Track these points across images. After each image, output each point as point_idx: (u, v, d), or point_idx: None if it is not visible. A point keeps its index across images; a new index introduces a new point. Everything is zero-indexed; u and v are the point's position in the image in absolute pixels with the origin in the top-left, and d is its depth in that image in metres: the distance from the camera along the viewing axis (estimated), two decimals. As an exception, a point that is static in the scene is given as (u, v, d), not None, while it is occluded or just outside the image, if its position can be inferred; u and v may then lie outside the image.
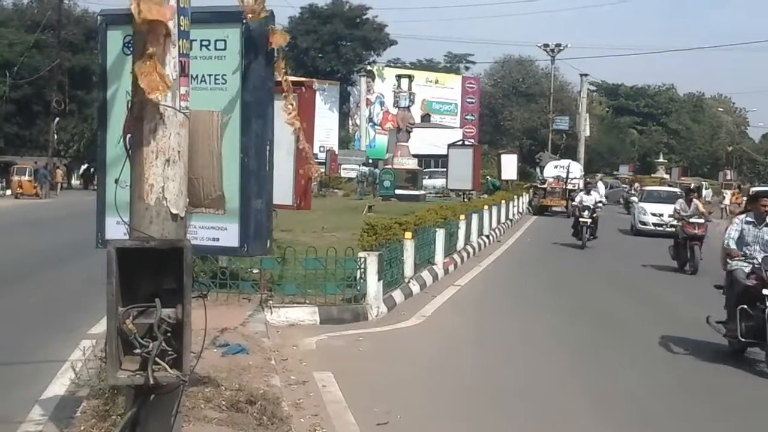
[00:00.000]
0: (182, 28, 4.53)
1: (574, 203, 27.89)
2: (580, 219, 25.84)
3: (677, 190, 38.07)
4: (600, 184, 55.43)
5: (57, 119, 57.50)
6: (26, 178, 49.22)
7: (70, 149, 62.92)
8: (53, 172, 54.76)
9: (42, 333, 11.11)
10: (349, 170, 58.38)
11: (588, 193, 27.32)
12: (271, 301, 12.25)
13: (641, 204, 33.82)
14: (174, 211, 4.18)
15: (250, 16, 5.96)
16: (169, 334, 3.83)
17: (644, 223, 32.54)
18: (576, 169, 47.70)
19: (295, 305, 12.39)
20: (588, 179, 45.22)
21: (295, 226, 19.99)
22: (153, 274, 3.97)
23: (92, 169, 64.09)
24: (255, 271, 13.18)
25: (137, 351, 3.80)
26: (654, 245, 26.39)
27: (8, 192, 49.61)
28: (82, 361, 8.03)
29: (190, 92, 4.61)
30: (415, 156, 50.61)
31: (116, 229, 6.37)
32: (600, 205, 27.43)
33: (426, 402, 8.66)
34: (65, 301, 13.59)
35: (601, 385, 9.52)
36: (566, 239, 26.48)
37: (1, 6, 64.56)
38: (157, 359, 3.76)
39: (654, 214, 32.20)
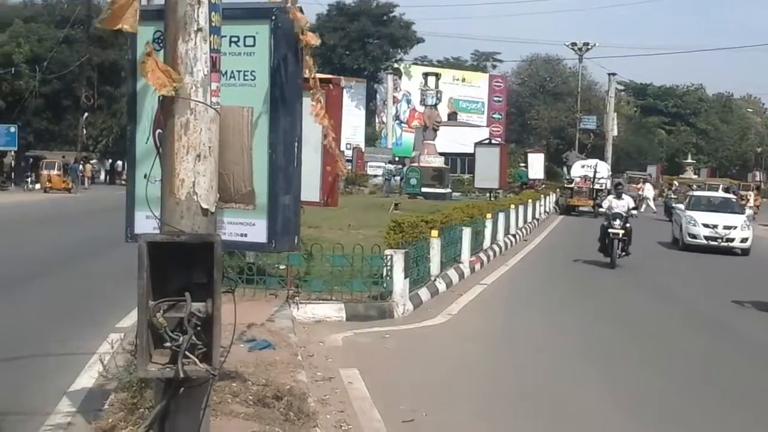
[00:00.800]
0: (213, 24, 4.55)
1: (602, 209, 22.81)
2: (610, 230, 20.63)
3: (732, 196, 34.10)
4: (648, 186, 54.56)
5: (86, 114, 57.92)
6: (55, 172, 49.66)
7: (98, 144, 63.41)
8: (84, 167, 55.27)
9: (70, 326, 11.20)
10: (375, 168, 58.43)
11: (619, 197, 21.85)
12: (297, 297, 12.28)
13: (690, 212, 27.64)
14: (204, 206, 4.20)
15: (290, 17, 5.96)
16: (198, 328, 3.85)
17: (694, 236, 26.75)
18: (603, 168, 47.45)
19: (321, 302, 12.42)
20: (619, 180, 42.05)
21: (321, 223, 20.02)
22: (183, 268, 3.99)
23: (118, 164, 64.73)
24: (281, 267, 13.22)
25: (167, 344, 3.82)
26: (718, 266, 23.17)
27: (37, 186, 50.02)
28: (111, 354, 8.09)
29: (220, 88, 4.63)
30: (441, 154, 50.52)
31: (145, 224, 6.42)
32: (634, 212, 22.05)
33: (451, 400, 8.65)
34: (94, 294, 13.69)
35: (630, 390, 9.44)
36: (591, 251, 21.49)
37: (31, 1, 64.95)
38: (186, 353, 3.79)
39: (707, 225, 26.69)
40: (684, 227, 27.31)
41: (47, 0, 64.93)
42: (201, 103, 4.31)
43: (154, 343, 3.86)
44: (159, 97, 4.42)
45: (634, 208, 22.08)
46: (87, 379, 8.42)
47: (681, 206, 29.84)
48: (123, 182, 57.32)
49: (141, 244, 3.88)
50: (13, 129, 49.96)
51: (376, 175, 54.54)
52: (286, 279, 12.79)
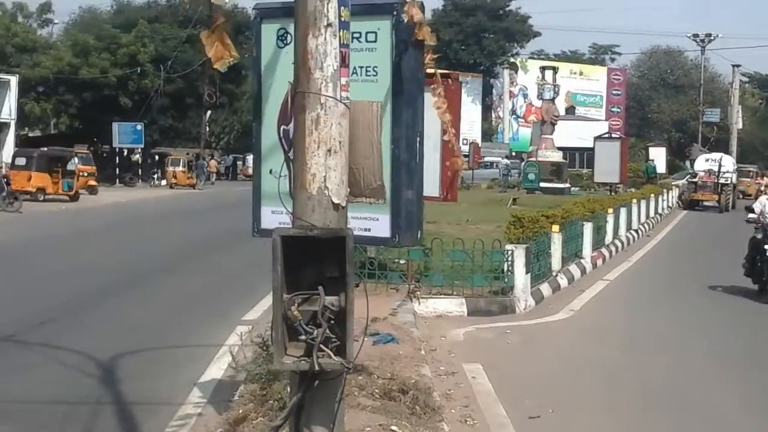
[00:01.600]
0: (343, 19, 4.57)
1: (752, 216, 15.39)
2: (767, 246, 14.57)
3: None
4: None
5: (209, 112, 59.26)
6: (180, 168, 51.01)
7: (220, 141, 64.82)
8: (208, 163, 56.63)
9: (199, 318, 11.50)
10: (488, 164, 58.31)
11: None
12: (418, 292, 12.31)
13: None
14: (336, 201, 4.21)
15: (405, 13, 5.98)
16: (332, 322, 3.88)
17: None
18: (728, 162, 45.86)
19: (442, 296, 12.44)
20: None
21: (439, 218, 20.00)
22: (315, 262, 4.02)
23: (237, 161, 66.15)
24: (402, 261, 13.27)
25: (302, 337, 3.86)
26: None
27: (163, 182, 51.51)
28: (239, 346, 8.26)
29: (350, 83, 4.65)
30: (559, 149, 49.89)
31: (272, 218, 6.51)
32: None
33: (576, 397, 8.53)
34: (220, 288, 14.02)
35: (759, 392, 9.11)
36: (721, 255, 18.34)
37: (155, 2, 66.69)
38: (321, 346, 3.82)
39: None
40: None
41: (171, 1, 66.56)
42: (331, 98, 4.33)
43: (289, 336, 3.91)
44: (290, 93, 4.47)
45: None
46: (216, 370, 8.64)
47: None
48: (244, 178, 58.51)
49: (275, 237, 3.92)
50: (139, 127, 51.43)
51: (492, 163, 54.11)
52: (406, 273, 12.84)
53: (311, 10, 4.43)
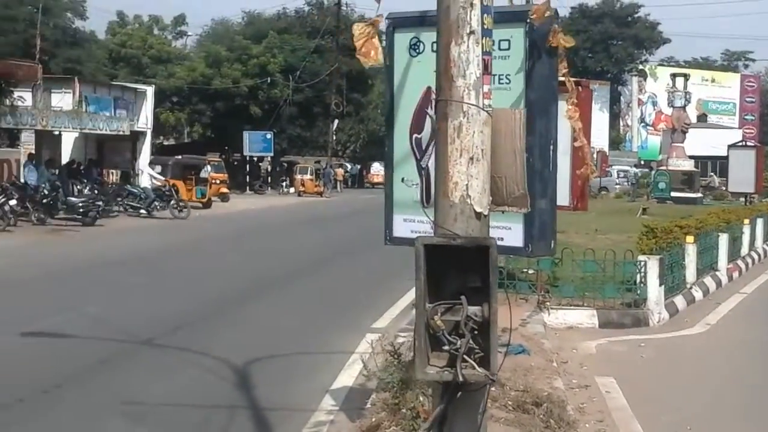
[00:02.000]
0: (485, 26, 4.53)
1: None
2: None
3: None
4: None
5: (336, 121, 59.99)
6: (308, 176, 51.88)
7: (347, 149, 65.44)
8: (335, 171, 57.38)
9: (328, 325, 11.60)
10: (619, 172, 57.22)
11: None
12: (548, 303, 12.12)
13: None
14: (478, 210, 4.17)
15: (534, 16, 5.90)
16: (475, 332, 3.83)
17: None
18: None
19: (572, 307, 12.21)
20: None
21: (567, 228, 19.67)
22: (457, 271, 3.98)
23: (362, 170, 66.79)
24: (531, 271, 13.10)
25: (445, 347, 3.81)
26: None
27: (291, 190, 52.43)
28: (370, 353, 8.29)
29: (492, 91, 4.59)
30: (690, 157, 48.53)
31: (404, 227, 6.51)
32: None
33: (717, 414, 8.24)
34: (348, 295, 14.11)
35: None
36: None
37: (284, 13, 67.90)
38: (465, 356, 3.77)
39: None
40: None
41: (299, 12, 67.65)
42: (473, 106, 4.29)
43: (431, 346, 3.87)
44: (432, 100, 4.46)
45: None
46: (347, 377, 8.68)
47: None
48: (370, 185, 58.82)
49: (418, 246, 3.90)
50: (269, 136, 52.47)
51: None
52: (535, 284, 12.67)
53: (454, 18, 4.40)
